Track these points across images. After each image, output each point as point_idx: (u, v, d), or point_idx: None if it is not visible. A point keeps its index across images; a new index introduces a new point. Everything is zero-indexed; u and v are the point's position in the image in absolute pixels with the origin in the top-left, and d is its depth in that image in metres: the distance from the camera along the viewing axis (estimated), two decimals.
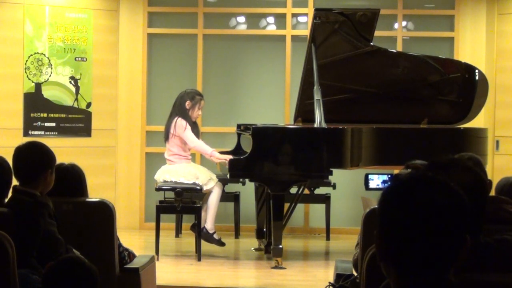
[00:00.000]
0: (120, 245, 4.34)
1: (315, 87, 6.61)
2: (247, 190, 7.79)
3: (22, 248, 3.47)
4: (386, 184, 3.81)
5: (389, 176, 3.80)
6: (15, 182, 3.82)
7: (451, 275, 1.68)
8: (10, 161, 3.83)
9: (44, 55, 8.20)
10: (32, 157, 3.80)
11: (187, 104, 7.10)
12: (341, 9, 7.13)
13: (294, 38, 8.71)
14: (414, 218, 1.66)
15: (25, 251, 3.54)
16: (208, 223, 7.00)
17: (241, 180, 7.62)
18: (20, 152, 3.83)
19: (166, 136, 7.11)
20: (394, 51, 7.68)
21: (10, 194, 3.84)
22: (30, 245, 3.60)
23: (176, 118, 7.05)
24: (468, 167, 2.50)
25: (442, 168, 2.41)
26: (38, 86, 8.19)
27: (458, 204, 1.68)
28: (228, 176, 6.64)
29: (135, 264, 4.43)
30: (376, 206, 1.76)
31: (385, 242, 1.70)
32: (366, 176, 3.86)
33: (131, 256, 4.46)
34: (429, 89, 7.35)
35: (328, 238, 8.13)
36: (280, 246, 6.54)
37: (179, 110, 7.09)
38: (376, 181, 3.85)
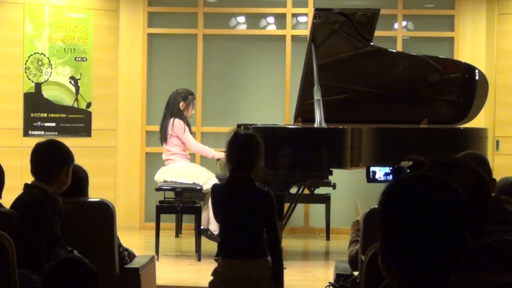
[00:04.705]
0: (120, 245, 4.34)
1: (315, 87, 6.61)
2: None
3: (29, 243, 3.52)
4: (388, 177, 3.78)
5: (392, 168, 3.74)
6: (25, 180, 3.87)
7: (453, 275, 1.68)
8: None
9: (44, 55, 8.19)
10: (48, 155, 3.87)
11: (181, 105, 7.13)
12: (341, 9, 7.12)
13: (294, 38, 8.70)
14: (415, 217, 1.66)
15: (33, 244, 3.58)
16: (212, 225, 6.97)
17: None
18: (38, 148, 3.90)
19: (164, 137, 7.11)
20: (394, 51, 7.67)
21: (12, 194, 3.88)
22: (38, 237, 3.63)
23: (173, 119, 7.07)
24: (470, 167, 2.49)
25: (444, 168, 2.40)
26: (38, 86, 8.18)
27: (458, 202, 1.68)
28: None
29: (135, 264, 4.44)
30: (375, 207, 1.76)
31: (388, 242, 1.69)
32: (368, 168, 3.83)
33: (131, 256, 4.47)
34: (429, 89, 7.35)
35: (328, 238, 8.13)
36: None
37: (173, 111, 7.12)
38: (378, 173, 3.81)
